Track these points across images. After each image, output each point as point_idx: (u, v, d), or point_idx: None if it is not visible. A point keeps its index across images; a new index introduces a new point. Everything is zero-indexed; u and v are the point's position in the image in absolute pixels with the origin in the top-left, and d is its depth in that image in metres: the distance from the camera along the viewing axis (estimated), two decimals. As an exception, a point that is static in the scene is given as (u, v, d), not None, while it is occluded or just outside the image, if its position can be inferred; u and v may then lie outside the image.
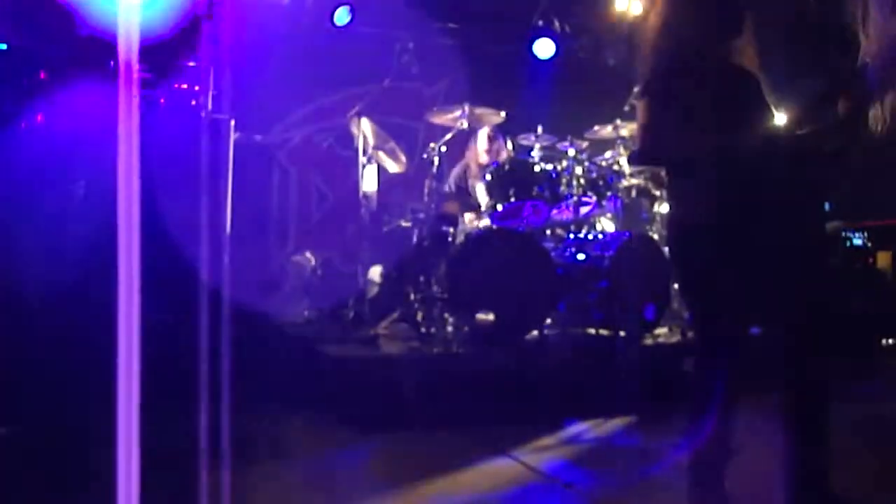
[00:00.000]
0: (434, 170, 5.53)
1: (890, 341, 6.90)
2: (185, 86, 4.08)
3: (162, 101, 4.02)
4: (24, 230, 3.14)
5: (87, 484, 2.47)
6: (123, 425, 1.15)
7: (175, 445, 1.74)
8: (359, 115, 5.76)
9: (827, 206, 3.34)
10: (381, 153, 5.83)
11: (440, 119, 5.90)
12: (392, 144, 5.87)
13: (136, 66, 1.33)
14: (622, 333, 5.15)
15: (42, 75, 3.88)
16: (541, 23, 8.20)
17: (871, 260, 7.26)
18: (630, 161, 5.52)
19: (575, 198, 5.34)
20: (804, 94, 2.88)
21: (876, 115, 2.62)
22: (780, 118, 2.85)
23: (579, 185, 5.35)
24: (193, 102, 4.02)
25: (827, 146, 2.86)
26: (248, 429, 3.99)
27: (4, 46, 3.76)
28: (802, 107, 2.81)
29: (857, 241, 7.18)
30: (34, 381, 3.06)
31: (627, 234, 5.41)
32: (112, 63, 1.47)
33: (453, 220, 5.66)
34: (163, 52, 3.64)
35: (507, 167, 5.32)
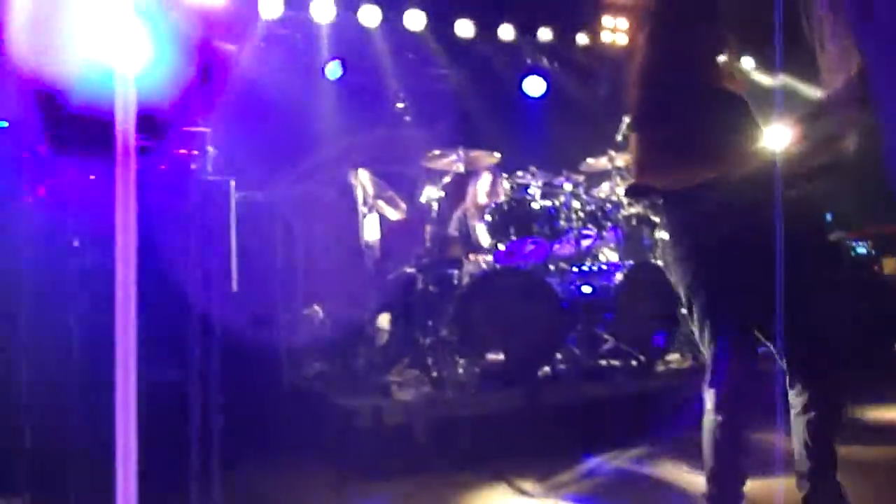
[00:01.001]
0: (434, 214, 5.58)
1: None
2: (184, 150, 4.14)
3: (162, 167, 4.07)
4: (28, 303, 3.18)
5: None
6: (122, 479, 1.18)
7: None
8: (356, 165, 5.83)
9: (828, 217, 3.36)
10: (380, 202, 5.89)
11: (436, 164, 5.96)
12: (391, 193, 5.93)
13: (132, 136, 1.38)
14: (633, 363, 5.16)
15: (42, 150, 3.95)
16: (529, 61, 8.32)
17: (876, 267, 7.27)
18: (627, 195, 5.56)
19: (575, 231, 5.38)
20: (796, 110, 2.92)
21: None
22: (772, 133, 2.88)
23: (578, 218, 5.39)
24: (193, 166, 4.08)
25: (818, 161, 2.90)
26: (263, 483, 4.00)
27: (6, 124, 3.84)
28: (794, 123, 2.84)
29: (861, 250, 7.19)
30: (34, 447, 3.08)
31: (630, 263, 5.44)
32: (111, 133, 1.52)
33: (457, 263, 5.70)
34: (161, 119, 3.71)
35: (505, 207, 5.38)
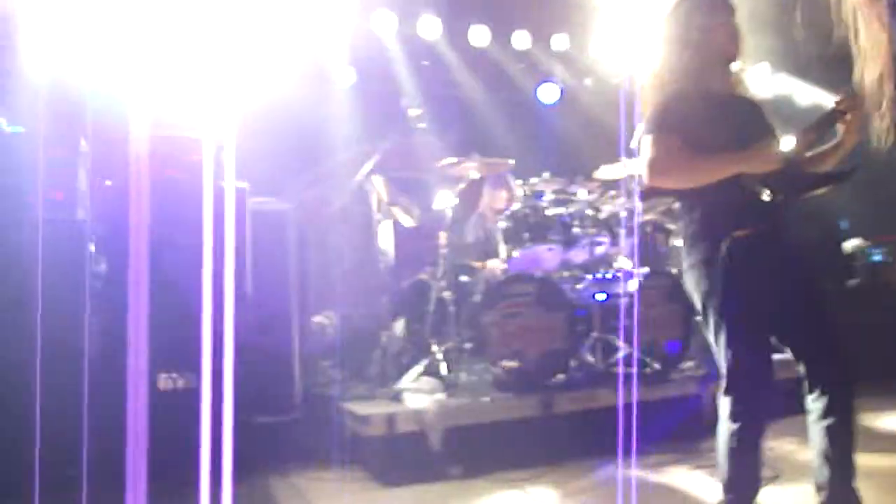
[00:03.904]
0: (448, 221, 5.57)
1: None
2: (197, 157, 4.16)
3: (176, 174, 4.10)
4: (43, 307, 3.20)
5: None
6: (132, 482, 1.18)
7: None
8: (371, 171, 5.83)
9: (844, 224, 3.35)
10: (395, 208, 5.88)
11: (451, 170, 5.96)
12: (405, 199, 5.92)
13: (146, 142, 1.38)
14: (647, 370, 5.14)
15: (59, 154, 3.98)
16: (543, 69, 8.32)
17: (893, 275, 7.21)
18: (641, 199, 5.53)
19: (589, 238, 5.36)
20: (808, 117, 2.91)
21: (878, 130, 2.64)
22: (784, 140, 2.88)
23: (592, 225, 5.37)
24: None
25: (827, 166, 2.90)
26: (275, 490, 4.01)
27: (22, 129, 3.87)
28: (805, 129, 2.84)
29: (877, 258, 7.15)
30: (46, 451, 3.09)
31: (645, 270, 5.42)
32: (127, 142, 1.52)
33: (472, 270, 5.69)
34: (177, 126, 3.73)
35: (520, 213, 5.37)
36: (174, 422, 2.38)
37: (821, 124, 2.83)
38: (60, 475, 2.98)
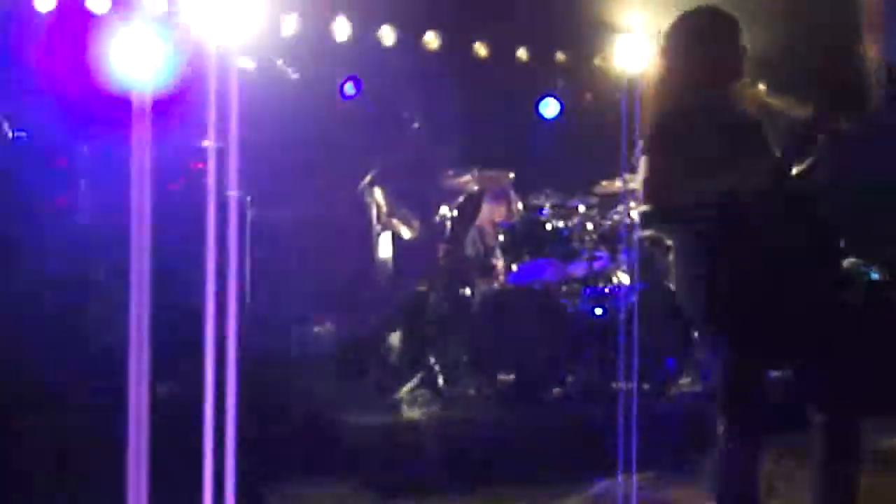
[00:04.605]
0: (447, 233, 5.57)
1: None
2: (200, 165, 4.17)
3: (179, 181, 4.10)
4: (49, 311, 3.21)
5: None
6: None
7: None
8: (371, 184, 5.84)
9: (842, 243, 3.36)
10: (394, 220, 5.90)
11: (451, 183, 5.96)
12: (404, 211, 5.94)
13: (148, 149, 1.38)
14: (645, 386, 5.12)
15: (62, 163, 3.98)
16: (544, 84, 8.33)
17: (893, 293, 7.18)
18: (641, 222, 5.52)
19: (588, 253, 5.36)
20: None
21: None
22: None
23: (591, 240, 5.37)
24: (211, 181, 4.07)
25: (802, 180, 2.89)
26: (270, 500, 3.99)
27: (24, 133, 3.88)
28: (788, 145, 2.85)
29: (875, 276, 7.12)
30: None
31: (643, 285, 5.42)
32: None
33: (470, 283, 5.69)
34: (177, 130, 3.74)
35: (519, 227, 5.37)
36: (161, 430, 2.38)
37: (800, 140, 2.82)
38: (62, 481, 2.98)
